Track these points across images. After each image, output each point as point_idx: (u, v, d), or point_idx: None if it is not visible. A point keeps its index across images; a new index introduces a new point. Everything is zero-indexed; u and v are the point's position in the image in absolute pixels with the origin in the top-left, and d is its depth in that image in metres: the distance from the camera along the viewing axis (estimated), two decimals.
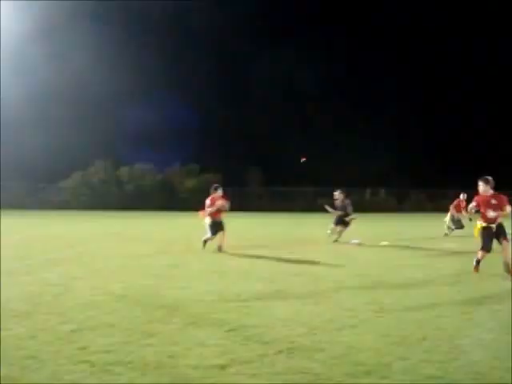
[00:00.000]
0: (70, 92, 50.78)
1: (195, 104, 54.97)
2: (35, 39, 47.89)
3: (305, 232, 21.41)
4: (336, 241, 16.18)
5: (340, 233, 16.52)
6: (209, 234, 13.42)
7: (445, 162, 53.98)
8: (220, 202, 13.48)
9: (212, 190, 13.81)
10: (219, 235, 13.37)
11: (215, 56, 59.93)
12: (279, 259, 11.90)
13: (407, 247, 15.06)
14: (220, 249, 13.22)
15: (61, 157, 46.32)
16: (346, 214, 16.60)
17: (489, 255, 10.03)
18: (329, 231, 16.87)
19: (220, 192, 13.69)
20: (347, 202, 16.93)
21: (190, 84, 57.91)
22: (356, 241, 15.74)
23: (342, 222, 16.57)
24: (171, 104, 52.45)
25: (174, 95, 52.47)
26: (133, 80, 51.43)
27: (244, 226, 20.71)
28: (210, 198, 13.59)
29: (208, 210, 13.40)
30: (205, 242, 13.44)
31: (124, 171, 48.86)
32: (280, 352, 4.89)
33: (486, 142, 55.88)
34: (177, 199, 47.67)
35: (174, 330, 5.63)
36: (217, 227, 13.37)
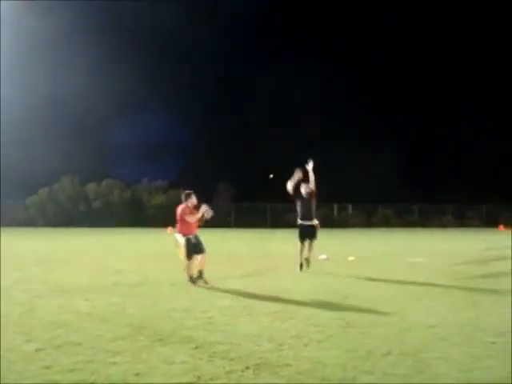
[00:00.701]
0: (34, 104, 50.24)
1: (166, 118, 54.89)
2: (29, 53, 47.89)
3: (273, 247, 21.46)
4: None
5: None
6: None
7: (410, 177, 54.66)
8: (203, 208, 10.69)
9: (184, 197, 10.78)
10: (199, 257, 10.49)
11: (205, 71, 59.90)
12: (246, 275, 11.91)
13: (374, 262, 15.18)
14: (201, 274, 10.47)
15: (26, 172, 45.67)
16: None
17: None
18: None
19: (194, 199, 10.79)
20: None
21: (161, 97, 57.81)
22: (324, 256, 15.82)
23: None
24: (141, 118, 52.37)
25: (145, 109, 52.41)
26: (104, 94, 51.20)
27: (213, 241, 20.62)
28: (181, 207, 10.68)
29: (190, 218, 10.52)
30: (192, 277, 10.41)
31: (91, 187, 48.38)
32: (247, 368, 4.90)
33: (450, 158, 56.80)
34: (144, 215, 47.36)
35: (140, 347, 5.60)
36: (194, 247, 10.43)
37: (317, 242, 12.83)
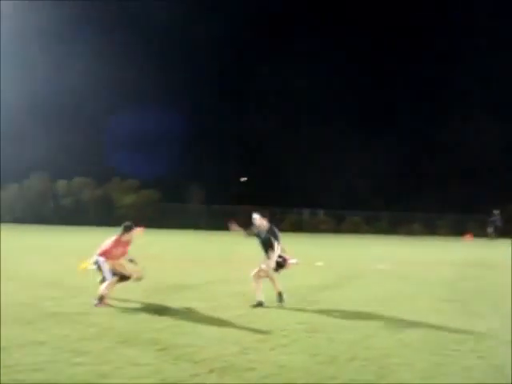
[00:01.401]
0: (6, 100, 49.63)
1: (140, 114, 54.33)
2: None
3: (241, 251, 21.43)
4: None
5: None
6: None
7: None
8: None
9: (122, 229, 9.39)
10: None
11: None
12: (213, 278, 11.91)
13: (342, 268, 15.27)
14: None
15: None
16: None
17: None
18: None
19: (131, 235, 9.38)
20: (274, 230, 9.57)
21: (132, 94, 57.22)
22: (293, 260, 15.84)
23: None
24: (111, 114, 51.82)
25: (114, 104, 51.86)
26: (74, 89, 50.65)
27: (182, 244, 20.63)
28: (114, 239, 9.29)
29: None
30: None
31: (62, 184, 47.86)
32: (211, 371, 4.91)
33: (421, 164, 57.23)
34: (115, 215, 46.99)
35: (105, 348, 5.57)
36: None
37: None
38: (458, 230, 46.90)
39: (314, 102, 58.48)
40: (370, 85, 59.01)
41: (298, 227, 49.61)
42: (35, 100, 49.29)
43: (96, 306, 8.06)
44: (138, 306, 8.11)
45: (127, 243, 9.27)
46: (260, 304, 8.84)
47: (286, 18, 61.62)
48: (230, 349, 5.70)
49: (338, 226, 51.59)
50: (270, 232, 9.44)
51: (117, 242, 9.12)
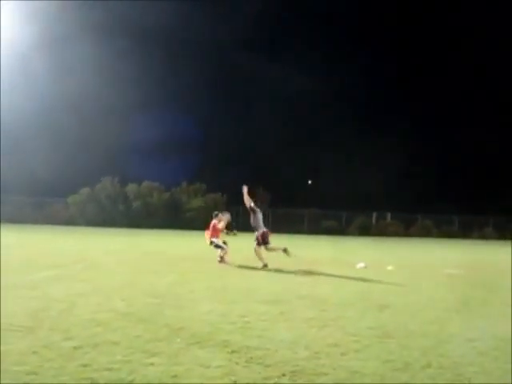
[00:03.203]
0: (76, 105, 51.10)
1: (201, 122, 55.08)
2: (38, 50, 48.57)
3: (312, 253, 21.31)
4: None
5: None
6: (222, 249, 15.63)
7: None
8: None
9: (214, 215, 16.20)
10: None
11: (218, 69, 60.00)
12: (284, 280, 11.87)
13: (412, 272, 14.96)
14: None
15: (69, 172, 46.54)
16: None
17: None
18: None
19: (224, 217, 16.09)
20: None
21: (199, 102, 58.07)
22: (362, 264, 15.68)
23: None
24: (176, 120, 52.64)
25: (177, 111, 52.72)
26: (139, 94, 51.76)
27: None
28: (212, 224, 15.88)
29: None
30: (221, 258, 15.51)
31: (132, 188, 48.84)
32: (283, 375, 4.87)
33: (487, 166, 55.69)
34: (182, 218, 47.59)
35: (176, 349, 5.61)
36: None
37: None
38: None
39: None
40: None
41: (366, 231, 49.13)
42: (100, 103, 50.67)
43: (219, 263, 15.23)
44: (208, 307, 8.15)
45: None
46: (266, 265, 14.54)
47: (287, 19, 61.65)
48: (301, 353, 5.64)
49: (407, 230, 50.68)
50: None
51: (214, 226, 15.83)
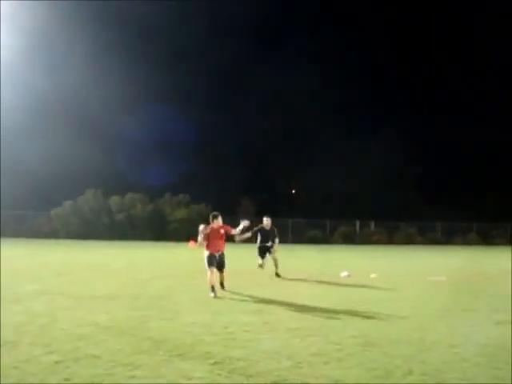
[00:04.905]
0: (58, 115, 50.82)
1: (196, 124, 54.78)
2: (31, 51, 48.27)
3: (294, 264, 21.31)
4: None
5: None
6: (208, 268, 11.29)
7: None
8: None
9: (211, 218, 11.57)
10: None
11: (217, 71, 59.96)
12: (268, 290, 11.87)
13: (396, 280, 15.03)
14: (222, 285, 11.75)
15: (51, 184, 46.20)
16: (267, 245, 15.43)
17: None
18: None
19: (220, 220, 11.59)
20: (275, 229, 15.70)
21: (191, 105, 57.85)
22: (345, 273, 15.72)
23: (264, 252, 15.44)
24: (165, 120, 52.49)
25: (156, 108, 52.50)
26: (124, 100, 51.62)
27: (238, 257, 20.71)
28: (209, 226, 11.45)
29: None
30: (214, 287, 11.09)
31: (115, 200, 48.60)
32: None
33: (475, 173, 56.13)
34: (166, 229, 47.45)
35: (159, 362, 5.60)
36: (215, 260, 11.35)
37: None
38: None
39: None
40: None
41: (350, 239, 49.28)
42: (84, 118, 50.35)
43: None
44: (190, 318, 8.13)
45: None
46: (261, 266, 15.29)
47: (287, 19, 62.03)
48: (283, 363, 5.65)
49: (391, 238, 50.88)
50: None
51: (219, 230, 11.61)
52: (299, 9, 62.64)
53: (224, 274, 11.70)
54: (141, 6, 53.07)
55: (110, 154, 50.57)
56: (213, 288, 10.90)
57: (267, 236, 15.42)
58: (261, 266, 15.37)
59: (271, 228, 15.59)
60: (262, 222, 15.64)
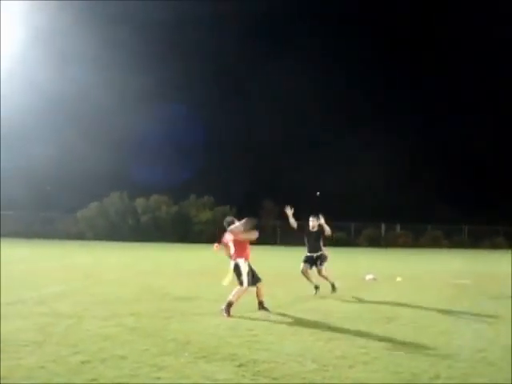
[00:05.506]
0: (77, 115, 51.20)
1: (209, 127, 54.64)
2: (35, 48, 48.59)
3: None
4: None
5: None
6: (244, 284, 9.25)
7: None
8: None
9: (226, 224, 9.55)
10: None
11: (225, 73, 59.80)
12: (291, 293, 11.84)
13: (423, 283, 14.90)
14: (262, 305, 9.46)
15: (78, 187, 46.63)
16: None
17: None
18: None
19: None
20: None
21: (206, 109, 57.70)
22: (371, 276, 15.63)
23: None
24: (181, 123, 52.40)
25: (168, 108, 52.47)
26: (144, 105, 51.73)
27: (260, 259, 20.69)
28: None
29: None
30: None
31: (140, 202, 48.90)
32: None
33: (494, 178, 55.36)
34: (191, 231, 47.64)
35: (184, 363, 5.61)
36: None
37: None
38: None
39: None
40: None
41: (375, 242, 48.93)
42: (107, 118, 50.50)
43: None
44: (215, 321, 8.14)
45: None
46: (317, 287, 11.92)
47: (287, 20, 61.72)
48: (308, 365, 5.62)
49: (417, 241, 50.44)
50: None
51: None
52: (301, 9, 62.30)
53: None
54: (153, 5, 53.19)
55: (130, 156, 50.66)
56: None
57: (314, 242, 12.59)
58: (316, 288, 11.99)
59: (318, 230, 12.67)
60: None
